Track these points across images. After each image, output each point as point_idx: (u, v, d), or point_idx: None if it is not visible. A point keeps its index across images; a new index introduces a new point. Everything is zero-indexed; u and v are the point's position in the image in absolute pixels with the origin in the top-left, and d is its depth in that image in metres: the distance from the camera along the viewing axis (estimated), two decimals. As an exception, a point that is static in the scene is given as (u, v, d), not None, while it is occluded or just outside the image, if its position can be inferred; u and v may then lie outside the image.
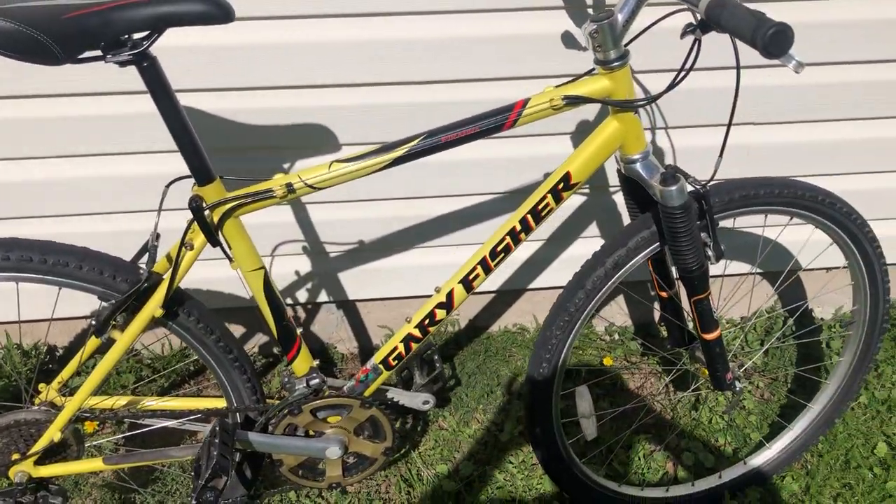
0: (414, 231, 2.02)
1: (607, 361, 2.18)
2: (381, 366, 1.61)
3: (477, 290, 1.58)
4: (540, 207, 1.48)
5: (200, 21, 1.19)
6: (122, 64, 1.21)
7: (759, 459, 1.94)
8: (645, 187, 1.48)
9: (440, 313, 1.56)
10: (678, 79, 1.39)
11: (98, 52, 1.18)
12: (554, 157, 1.89)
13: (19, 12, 1.11)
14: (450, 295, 1.54)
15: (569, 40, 1.74)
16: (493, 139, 1.85)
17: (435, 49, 1.72)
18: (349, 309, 2.23)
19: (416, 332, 1.58)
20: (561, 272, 2.15)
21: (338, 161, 1.38)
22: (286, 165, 1.86)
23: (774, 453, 1.94)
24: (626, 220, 2.03)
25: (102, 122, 1.74)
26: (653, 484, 1.95)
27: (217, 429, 1.46)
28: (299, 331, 1.56)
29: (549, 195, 1.47)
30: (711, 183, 1.50)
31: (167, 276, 1.41)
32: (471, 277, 1.54)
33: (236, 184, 1.40)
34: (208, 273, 1.92)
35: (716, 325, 1.61)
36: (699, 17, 1.27)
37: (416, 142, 1.38)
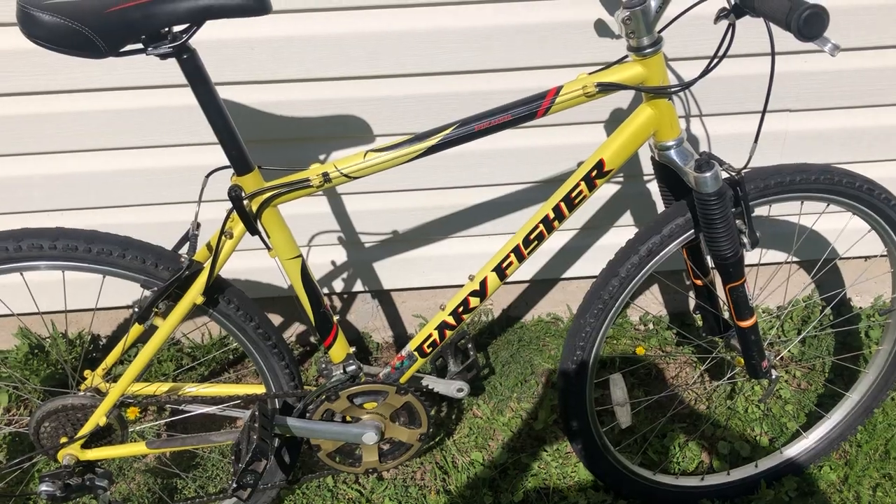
0: (448, 221, 2.04)
1: (640, 351, 2.18)
2: (415, 353, 1.62)
3: (510, 279, 1.59)
4: (573, 195, 1.49)
5: (238, 13, 1.21)
6: (163, 56, 1.23)
7: (796, 449, 1.92)
8: (679, 174, 1.48)
9: (474, 301, 1.57)
10: (712, 65, 1.39)
11: (139, 45, 1.21)
12: (588, 146, 1.88)
13: (64, 7, 1.14)
14: (483, 283, 1.56)
15: (602, 28, 1.74)
16: (527, 128, 1.86)
17: (466, 39, 1.73)
18: (384, 298, 2.26)
19: (451, 320, 1.59)
20: (594, 262, 2.15)
21: (372, 150, 1.40)
22: (322, 156, 1.88)
23: (812, 443, 1.92)
24: (661, 208, 2.04)
25: (142, 116, 1.78)
26: (688, 473, 1.95)
27: (256, 413, 1.49)
28: (336, 318, 1.58)
29: (583, 182, 1.48)
30: (746, 169, 1.49)
31: (207, 264, 1.44)
32: (504, 265, 1.55)
33: (274, 174, 1.43)
34: (247, 263, 1.96)
35: (751, 312, 1.60)
36: (733, 2, 1.27)
37: (449, 130, 1.39)
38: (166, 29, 1.21)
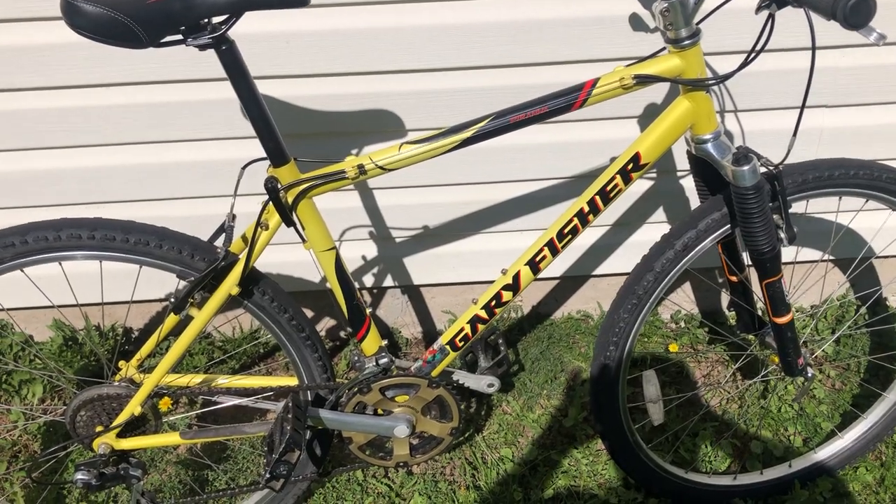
0: (479, 216, 2.03)
1: (673, 348, 2.16)
2: (447, 347, 1.62)
3: (542, 275, 1.58)
4: (608, 189, 1.48)
5: (277, 5, 1.23)
6: (202, 47, 1.24)
7: (831, 449, 1.90)
8: (716, 168, 1.47)
9: (506, 295, 1.57)
10: (751, 58, 1.37)
11: (179, 37, 1.23)
12: (621, 141, 1.87)
13: (107, -1, 1.16)
14: (516, 277, 1.55)
15: (636, 22, 1.73)
16: (560, 123, 1.85)
17: (501, 33, 1.72)
18: (414, 294, 2.26)
19: (483, 314, 1.59)
20: (626, 258, 2.13)
21: (407, 143, 1.40)
22: (354, 151, 1.89)
23: (847, 443, 1.89)
24: (694, 205, 2.03)
25: (181, 109, 1.80)
26: (720, 472, 1.93)
27: (290, 405, 1.49)
28: (368, 311, 1.58)
29: (618, 176, 1.47)
30: (784, 164, 1.47)
31: (243, 255, 1.45)
32: (537, 259, 1.54)
33: (309, 166, 1.43)
34: (280, 257, 1.98)
35: (787, 308, 1.58)
36: (775, -8, 1.25)
37: (484, 122, 1.39)
38: (206, 20, 1.22)
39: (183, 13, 1.18)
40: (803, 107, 1.40)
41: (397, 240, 2.08)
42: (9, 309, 2.13)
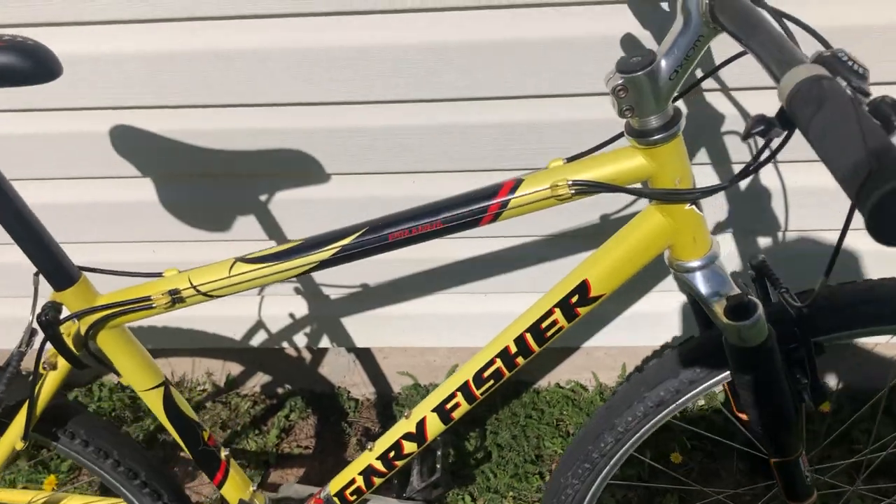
0: (428, 276, 1.58)
1: (675, 458, 1.68)
2: (336, 499, 1.22)
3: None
4: (544, 325, 1.01)
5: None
6: None
7: None
8: (703, 308, 0.97)
9: (408, 446, 1.14)
10: (752, 167, 0.85)
11: None
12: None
13: None
14: (421, 424, 1.12)
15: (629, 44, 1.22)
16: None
17: (439, 57, 1.24)
18: (362, 353, 1.84)
19: (380, 466, 1.17)
20: (628, 331, 1.65)
21: (243, 261, 0.97)
22: (263, 197, 1.46)
23: None
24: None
25: None
26: None
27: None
28: (224, 453, 1.18)
29: (558, 310, 0.99)
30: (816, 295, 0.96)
31: (24, 405, 1.06)
32: (448, 406, 1.10)
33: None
34: (186, 311, 1.59)
35: (810, 492, 1.10)
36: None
37: (350, 239, 0.94)
38: None
39: None
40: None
41: (331, 297, 1.66)
42: None
